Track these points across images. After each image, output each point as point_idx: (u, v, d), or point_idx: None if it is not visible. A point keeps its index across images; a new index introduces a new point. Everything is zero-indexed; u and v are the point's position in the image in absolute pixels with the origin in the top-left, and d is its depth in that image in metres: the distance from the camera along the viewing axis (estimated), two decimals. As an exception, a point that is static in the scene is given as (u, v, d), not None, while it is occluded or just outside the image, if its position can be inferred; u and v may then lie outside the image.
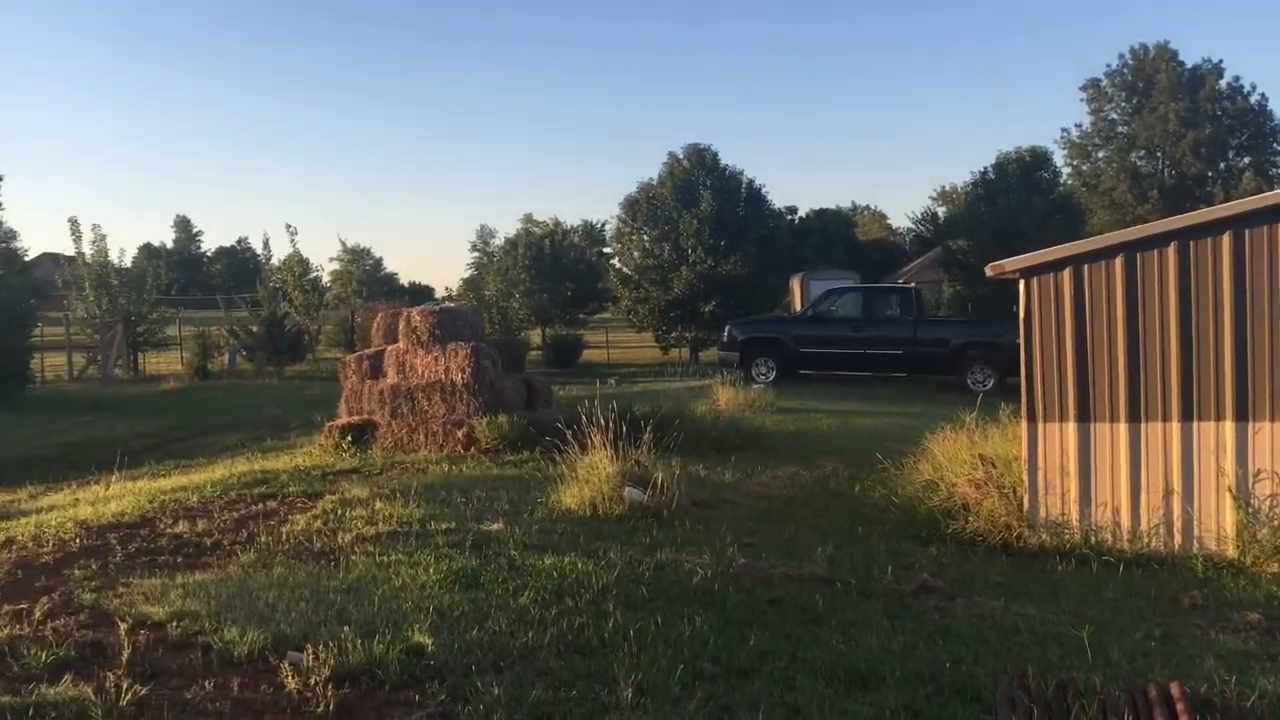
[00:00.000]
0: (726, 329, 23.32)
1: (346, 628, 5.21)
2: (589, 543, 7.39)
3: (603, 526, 8.01)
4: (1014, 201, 31.99)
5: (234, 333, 31.33)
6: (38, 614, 5.48)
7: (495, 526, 7.70)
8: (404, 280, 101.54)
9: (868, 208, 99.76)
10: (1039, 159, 34.23)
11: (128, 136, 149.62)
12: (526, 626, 5.45)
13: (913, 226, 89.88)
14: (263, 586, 6.07)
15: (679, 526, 8.19)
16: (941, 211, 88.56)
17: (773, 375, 21.43)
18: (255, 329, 31.03)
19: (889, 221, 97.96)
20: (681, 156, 32.99)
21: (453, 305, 12.05)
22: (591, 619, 5.64)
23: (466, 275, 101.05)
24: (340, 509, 8.25)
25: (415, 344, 11.87)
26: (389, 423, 11.97)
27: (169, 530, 7.54)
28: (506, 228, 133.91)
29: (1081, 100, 59.72)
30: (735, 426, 12.21)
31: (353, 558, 6.80)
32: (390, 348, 12.33)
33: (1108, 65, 58.26)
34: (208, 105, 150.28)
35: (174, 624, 5.32)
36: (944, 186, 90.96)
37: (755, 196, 33.16)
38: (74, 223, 30.80)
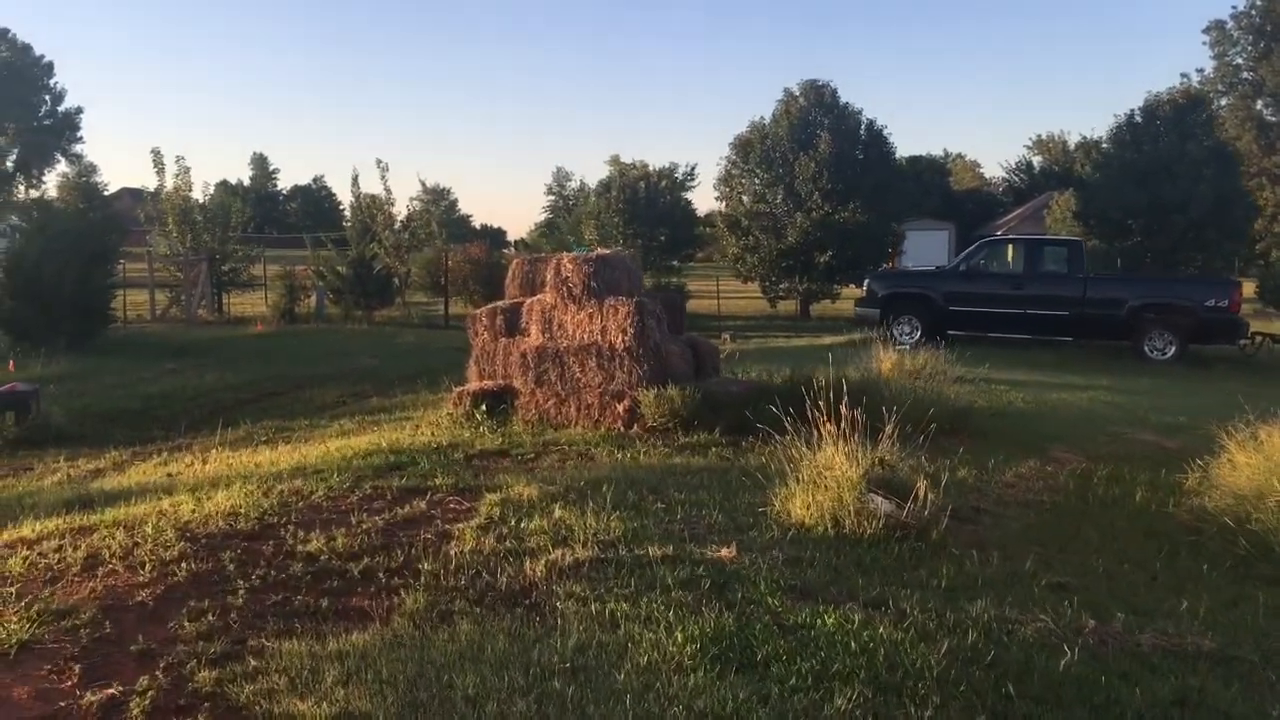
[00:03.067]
0: (866, 282, 21.10)
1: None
2: (863, 583, 5.39)
3: (860, 554, 6.00)
4: (1163, 148, 28.98)
5: (321, 274, 29.77)
6: (135, 711, 3.65)
7: (726, 553, 5.74)
8: (475, 223, 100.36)
9: (960, 156, 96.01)
10: (1194, 101, 31.05)
11: (206, 72, 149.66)
12: (871, 762, 3.50)
13: (1007, 176, 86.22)
14: (452, 661, 4.18)
15: (956, 553, 6.16)
16: (1037, 161, 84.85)
17: (917, 335, 19.21)
18: (343, 270, 29.42)
19: (982, 171, 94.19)
20: (798, 93, 30.45)
21: (608, 253, 10.04)
22: (959, 746, 3.67)
23: (541, 219, 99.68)
24: (511, 516, 6.35)
25: (566, 298, 9.86)
26: (532, 391, 10.02)
27: (299, 547, 5.68)
28: (583, 170, 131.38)
29: (1203, 44, 55.67)
30: (940, 404, 10.05)
31: (558, 604, 4.88)
32: (530, 301, 10.36)
33: (1233, 7, 54.09)
34: (284, 42, 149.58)
35: (341, 740, 3.45)
36: (1040, 135, 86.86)
37: (876, 138, 30.54)
38: (157, 154, 29.42)
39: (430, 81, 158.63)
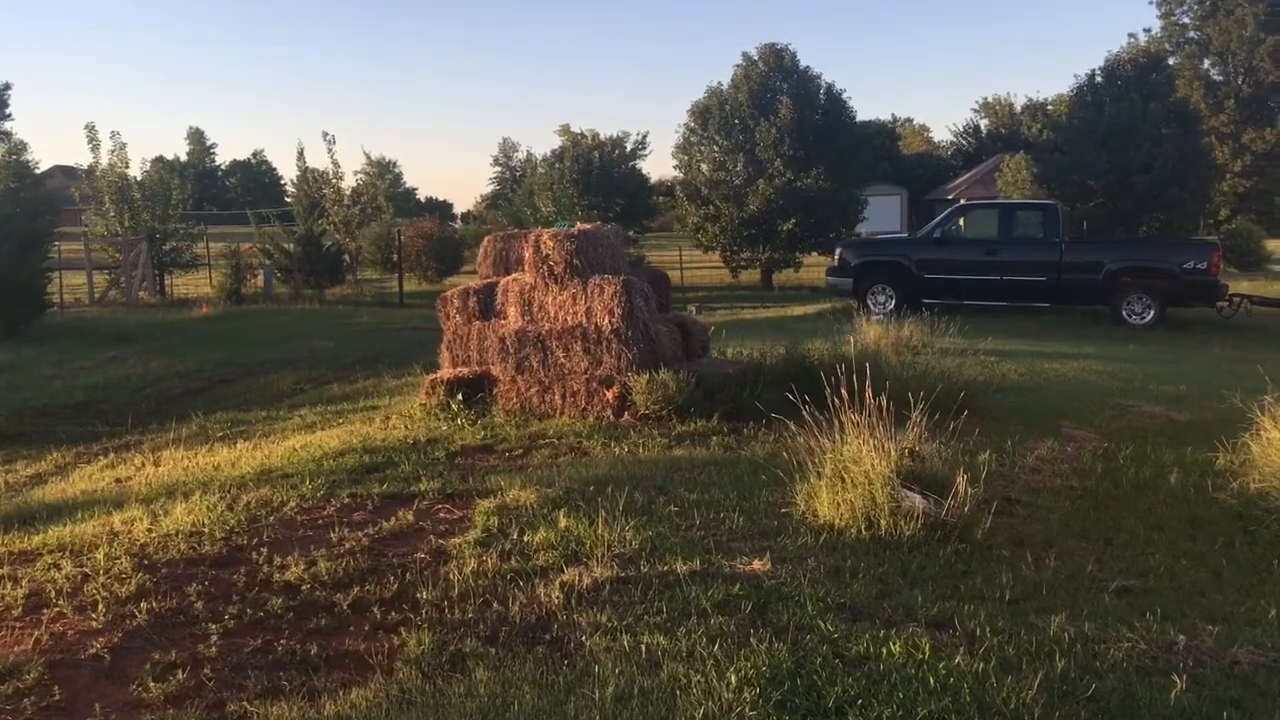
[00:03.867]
0: (837, 251, 20.55)
1: None
2: (920, 599, 4.80)
3: (904, 560, 5.41)
4: (1125, 108, 28.67)
5: (267, 252, 28.63)
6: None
7: (759, 566, 5.12)
8: (421, 196, 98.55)
9: (909, 120, 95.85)
10: (1154, 60, 30.77)
11: (138, 44, 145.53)
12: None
13: (955, 140, 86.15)
14: (474, 722, 3.52)
15: (1005, 555, 5.61)
16: (984, 124, 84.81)
17: (891, 305, 18.69)
18: (290, 247, 28.32)
19: (931, 135, 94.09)
20: (756, 58, 29.72)
21: (590, 228, 9.33)
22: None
23: (488, 191, 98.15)
24: (511, 528, 5.67)
25: (547, 277, 9.14)
26: (512, 379, 9.31)
27: (276, 575, 4.96)
28: (529, 141, 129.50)
29: (1150, 4, 55.80)
30: (946, 381, 9.44)
31: (584, 640, 4.24)
32: (506, 281, 9.62)
33: (1182, -36, 54.22)
34: (218, 12, 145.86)
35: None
36: (986, 98, 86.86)
37: (835, 102, 29.94)
38: (91, 129, 27.99)
39: (369, 51, 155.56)
